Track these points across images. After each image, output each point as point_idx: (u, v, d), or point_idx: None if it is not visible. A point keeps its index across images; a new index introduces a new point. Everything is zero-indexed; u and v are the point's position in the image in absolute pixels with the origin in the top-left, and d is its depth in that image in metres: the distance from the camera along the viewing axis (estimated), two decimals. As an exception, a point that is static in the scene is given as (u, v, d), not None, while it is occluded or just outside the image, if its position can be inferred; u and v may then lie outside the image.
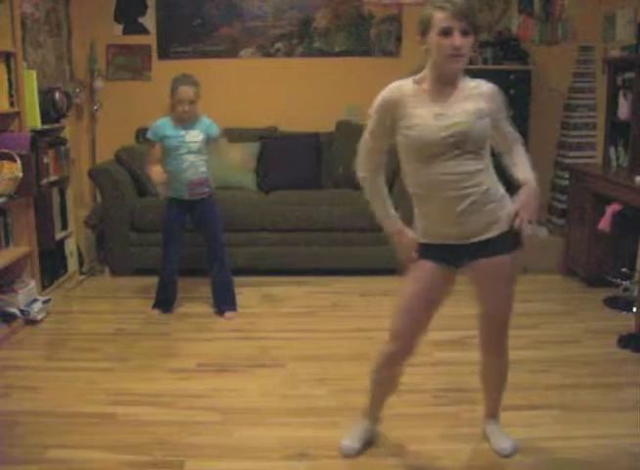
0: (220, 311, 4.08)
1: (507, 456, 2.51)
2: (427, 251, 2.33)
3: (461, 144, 2.14)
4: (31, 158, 3.87)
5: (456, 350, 3.52)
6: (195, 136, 3.91)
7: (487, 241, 2.23)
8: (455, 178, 2.17)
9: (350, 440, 2.56)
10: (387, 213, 2.41)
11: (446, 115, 2.15)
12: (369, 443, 2.59)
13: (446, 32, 2.06)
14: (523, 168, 2.28)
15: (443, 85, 2.18)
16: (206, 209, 3.99)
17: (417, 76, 2.22)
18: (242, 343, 3.67)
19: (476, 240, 2.23)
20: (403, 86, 2.22)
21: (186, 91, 3.83)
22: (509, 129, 2.32)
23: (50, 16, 5.01)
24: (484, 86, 2.23)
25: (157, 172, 3.84)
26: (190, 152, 3.90)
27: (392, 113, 2.21)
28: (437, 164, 2.17)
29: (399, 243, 2.42)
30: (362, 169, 2.45)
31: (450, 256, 2.28)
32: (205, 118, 3.99)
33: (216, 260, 4.02)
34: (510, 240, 2.24)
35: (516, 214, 2.17)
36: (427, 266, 2.33)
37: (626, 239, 4.28)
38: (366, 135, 2.36)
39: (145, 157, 5.12)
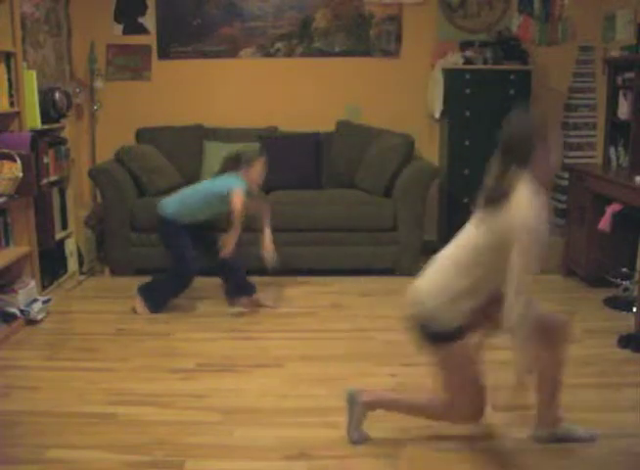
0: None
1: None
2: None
3: None
4: (31, 158, 3.88)
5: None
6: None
7: None
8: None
9: (358, 431, 2.62)
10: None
11: None
12: None
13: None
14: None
15: None
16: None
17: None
18: (242, 343, 3.67)
19: None
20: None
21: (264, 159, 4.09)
22: None
23: (50, 16, 5.01)
24: None
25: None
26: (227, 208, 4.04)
27: None
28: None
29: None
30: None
31: None
32: None
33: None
34: None
35: None
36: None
37: (626, 239, 4.28)
38: (532, 259, 2.20)
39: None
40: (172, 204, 4.05)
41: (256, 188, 4.15)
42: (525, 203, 2.23)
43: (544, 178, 2.32)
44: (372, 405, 2.63)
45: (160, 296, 4.11)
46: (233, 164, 4.08)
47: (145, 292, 4.11)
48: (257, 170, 4.05)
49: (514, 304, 2.18)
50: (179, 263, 4.02)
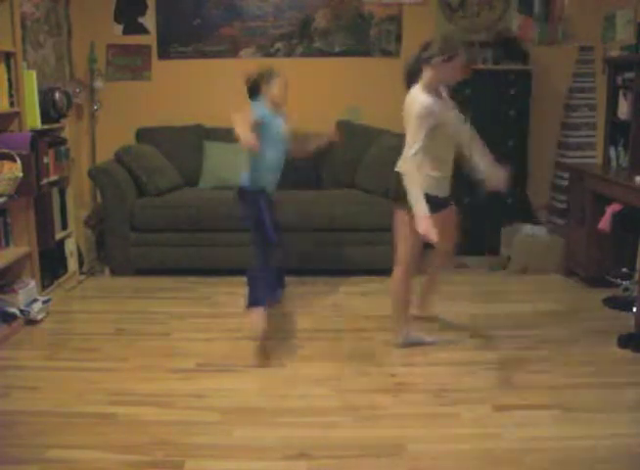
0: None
1: None
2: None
3: None
4: (31, 158, 3.88)
5: (456, 350, 3.52)
6: (282, 124, 3.90)
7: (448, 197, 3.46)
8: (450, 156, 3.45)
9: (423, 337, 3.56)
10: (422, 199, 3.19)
11: None
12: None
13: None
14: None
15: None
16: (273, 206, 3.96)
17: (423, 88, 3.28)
18: (242, 343, 3.67)
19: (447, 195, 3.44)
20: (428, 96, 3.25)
21: (284, 77, 3.91)
22: None
23: (50, 16, 5.01)
24: None
25: (253, 138, 3.31)
26: (282, 141, 3.89)
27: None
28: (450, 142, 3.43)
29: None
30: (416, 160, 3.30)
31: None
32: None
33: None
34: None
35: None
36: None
37: (626, 239, 4.28)
38: (420, 140, 3.27)
39: (144, 156, 5.13)
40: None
41: (282, 106, 3.93)
42: (415, 95, 3.26)
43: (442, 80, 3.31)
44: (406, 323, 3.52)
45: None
46: (254, 84, 3.95)
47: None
48: (276, 88, 3.87)
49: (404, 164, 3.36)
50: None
